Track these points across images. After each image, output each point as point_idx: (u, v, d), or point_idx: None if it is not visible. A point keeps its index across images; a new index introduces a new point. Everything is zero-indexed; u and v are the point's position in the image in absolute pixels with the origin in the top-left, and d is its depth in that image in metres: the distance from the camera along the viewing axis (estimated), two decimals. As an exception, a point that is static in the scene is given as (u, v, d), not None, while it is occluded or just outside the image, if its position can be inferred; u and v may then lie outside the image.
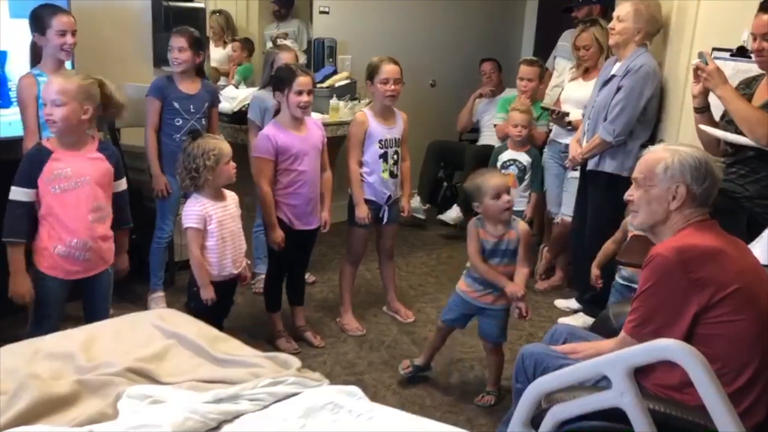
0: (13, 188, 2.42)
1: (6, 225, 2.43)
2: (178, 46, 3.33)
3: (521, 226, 2.75)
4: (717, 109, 2.76)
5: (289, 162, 3.06)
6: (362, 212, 3.33)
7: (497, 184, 2.72)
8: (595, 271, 3.18)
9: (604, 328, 2.30)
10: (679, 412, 1.69)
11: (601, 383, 1.79)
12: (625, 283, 3.03)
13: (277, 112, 3.16)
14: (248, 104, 3.81)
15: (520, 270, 2.74)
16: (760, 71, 2.69)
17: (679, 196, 1.87)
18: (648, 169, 1.92)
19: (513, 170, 4.04)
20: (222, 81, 4.59)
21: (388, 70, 3.27)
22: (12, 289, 2.45)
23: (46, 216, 2.44)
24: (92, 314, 2.60)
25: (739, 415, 1.52)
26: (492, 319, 2.79)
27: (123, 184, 2.66)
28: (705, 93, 2.71)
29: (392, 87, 3.28)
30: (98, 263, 2.56)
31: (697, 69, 2.65)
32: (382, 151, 3.35)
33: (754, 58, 2.67)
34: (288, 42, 4.55)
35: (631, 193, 1.98)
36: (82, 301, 2.68)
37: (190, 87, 3.41)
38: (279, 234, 3.07)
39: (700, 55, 2.65)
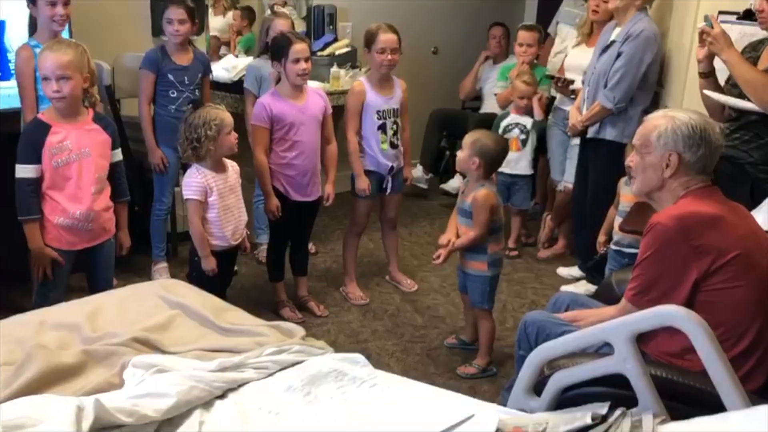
0: (18, 166, 2.42)
1: (19, 203, 2.44)
2: (179, 18, 3.26)
3: (480, 192, 2.73)
4: (722, 74, 2.73)
5: (284, 131, 3.03)
6: (362, 184, 3.31)
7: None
8: (601, 237, 3.20)
9: (606, 295, 2.31)
10: (681, 378, 1.70)
11: (603, 350, 1.80)
12: (617, 248, 3.05)
13: (278, 81, 3.12)
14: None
15: (467, 230, 2.79)
16: (767, 34, 2.65)
17: (672, 164, 1.86)
18: (644, 136, 1.92)
19: (516, 133, 4.02)
20: (223, 50, 4.55)
21: (385, 39, 3.21)
22: (36, 263, 2.48)
23: (48, 189, 2.44)
24: (96, 284, 2.62)
25: (739, 380, 1.53)
26: (472, 283, 2.84)
27: (119, 155, 2.66)
28: (710, 57, 2.68)
29: (389, 57, 3.22)
30: (100, 233, 2.58)
31: (702, 33, 2.61)
32: (380, 122, 3.31)
33: (757, 19, 2.64)
34: (285, 9, 4.49)
35: (632, 159, 1.98)
36: (85, 272, 2.70)
37: (183, 58, 3.37)
38: (274, 202, 3.06)
39: (706, 18, 2.61)
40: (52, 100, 2.43)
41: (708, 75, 2.72)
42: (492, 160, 2.76)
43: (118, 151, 2.65)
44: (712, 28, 2.57)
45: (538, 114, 4.02)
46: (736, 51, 2.57)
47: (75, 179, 2.45)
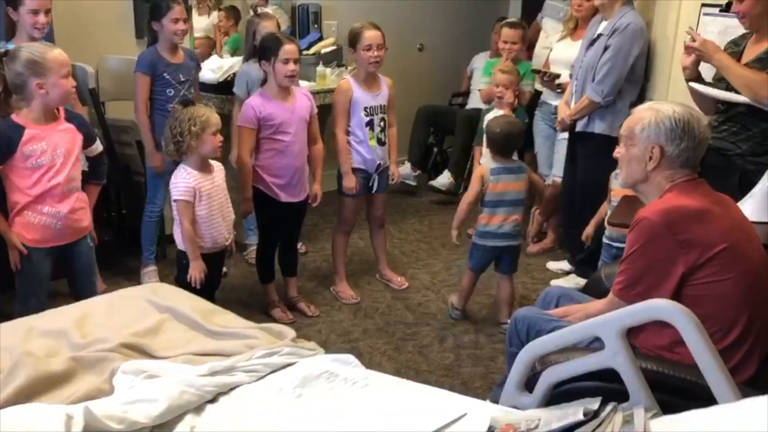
0: None
1: None
2: (183, 17, 3.27)
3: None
4: (705, 70, 2.75)
5: (272, 131, 3.02)
6: (350, 182, 3.32)
7: None
8: (588, 230, 3.21)
9: (596, 289, 2.31)
10: (671, 370, 1.70)
11: (593, 345, 1.80)
12: (608, 242, 3.06)
13: (264, 81, 3.11)
14: (234, 74, 3.77)
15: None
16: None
17: (654, 157, 1.87)
18: (629, 128, 1.93)
19: None
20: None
21: (370, 36, 3.22)
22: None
23: (24, 189, 2.44)
24: (79, 289, 2.62)
25: (729, 371, 1.54)
26: None
27: (98, 148, 2.67)
28: (696, 63, 2.70)
29: (375, 53, 3.23)
30: (74, 232, 2.57)
31: (687, 47, 2.65)
32: (368, 118, 3.32)
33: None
34: (269, 9, 4.47)
35: (619, 150, 1.99)
36: (67, 278, 2.69)
37: (176, 56, 3.37)
38: (250, 207, 3.10)
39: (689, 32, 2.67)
40: (65, 95, 2.46)
41: (695, 79, 2.74)
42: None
43: (97, 144, 2.66)
44: (693, 41, 2.60)
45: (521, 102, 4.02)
46: (725, 54, 2.59)
47: (48, 179, 2.45)
